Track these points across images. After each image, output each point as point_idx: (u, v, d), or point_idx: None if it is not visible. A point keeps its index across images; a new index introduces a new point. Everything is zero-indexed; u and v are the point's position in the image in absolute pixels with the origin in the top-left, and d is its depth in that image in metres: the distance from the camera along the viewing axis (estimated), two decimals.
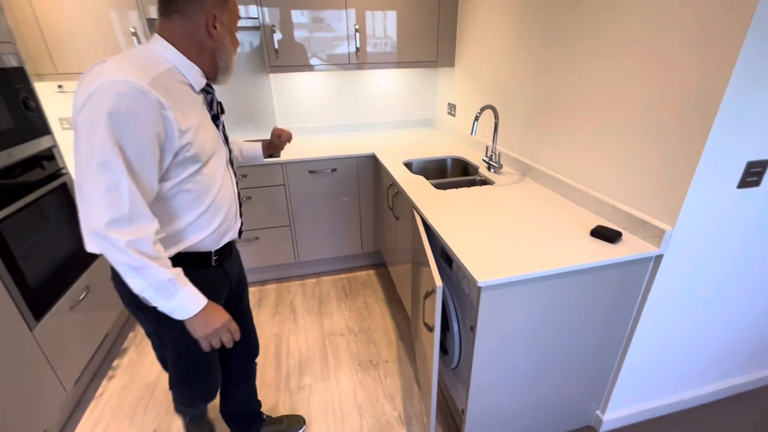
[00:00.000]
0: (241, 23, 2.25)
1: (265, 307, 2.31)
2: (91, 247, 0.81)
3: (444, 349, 1.48)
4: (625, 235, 1.27)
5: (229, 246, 1.10)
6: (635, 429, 1.55)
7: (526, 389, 1.36)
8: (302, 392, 1.74)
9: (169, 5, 0.86)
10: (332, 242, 2.51)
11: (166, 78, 0.83)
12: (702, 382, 1.60)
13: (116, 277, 0.94)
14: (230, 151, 1.07)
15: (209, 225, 0.97)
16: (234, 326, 0.98)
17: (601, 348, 1.36)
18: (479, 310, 1.13)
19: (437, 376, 1.30)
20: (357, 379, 1.80)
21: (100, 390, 1.77)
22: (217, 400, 1.35)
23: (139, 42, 1.99)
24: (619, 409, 1.53)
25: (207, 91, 0.97)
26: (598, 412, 1.55)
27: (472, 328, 1.19)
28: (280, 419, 1.54)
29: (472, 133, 1.75)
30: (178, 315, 0.88)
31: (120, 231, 0.77)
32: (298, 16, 2.14)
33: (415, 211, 1.56)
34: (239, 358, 1.31)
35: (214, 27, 0.88)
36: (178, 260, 0.92)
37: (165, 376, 1.83)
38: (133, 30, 1.97)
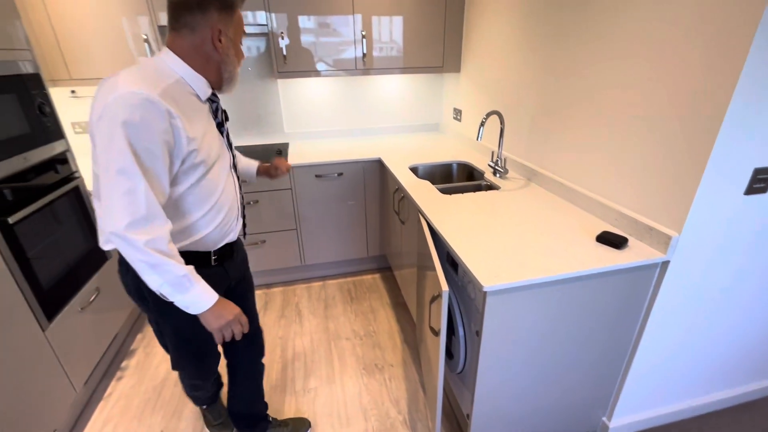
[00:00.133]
0: (249, 29, 2.29)
1: (271, 310, 2.33)
2: (107, 245, 0.88)
3: (449, 354, 1.48)
4: (631, 241, 1.27)
5: (230, 247, 1.15)
6: None
7: (531, 394, 1.36)
8: (307, 395, 1.75)
9: (178, 20, 0.91)
10: (338, 246, 2.53)
11: (174, 89, 0.89)
12: (710, 390, 1.58)
13: (122, 267, 1.02)
14: (234, 157, 1.13)
15: (209, 225, 1.03)
16: (244, 319, 1.04)
17: (606, 354, 1.36)
18: (485, 314, 1.13)
19: (442, 381, 1.31)
20: (362, 383, 1.80)
21: (108, 390, 1.79)
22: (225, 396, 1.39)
23: (150, 48, 2.04)
24: (626, 415, 1.52)
25: (212, 100, 1.03)
26: (604, 418, 1.54)
27: (478, 333, 1.20)
28: (286, 422, 1.55)
29: (477, 139, 1.76)
30: (193, 309, 0.94)
31: (138, 232, 0.83)
32: (305, 21, 2.17)
33: (420, 216, 1.57)
34: (245, 356, 1.36)
35: (220, 40, 0.94)
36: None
37: (172, 378, 1.85)
38: (144, 36, 2.01)
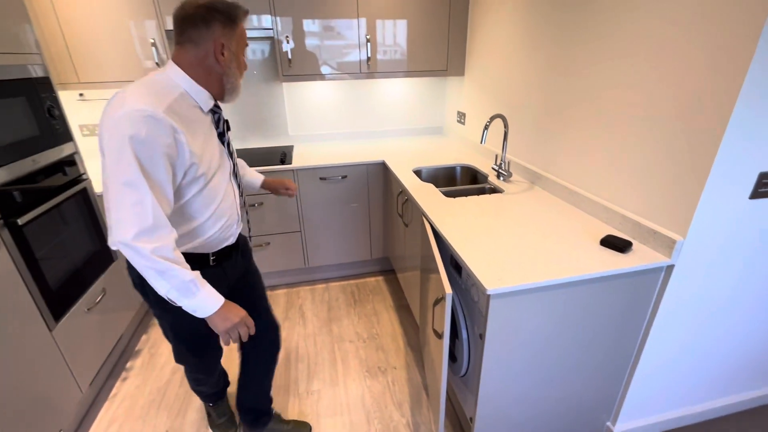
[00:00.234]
0: (255, 33, 2.31)
1: (275, 312, 2.33)
2: (114, 246, 0.91)
3: (453, 357, 1.48)
4: (636, 244, 1.27)
5: (229, 249, 1.20)
6: None
7: (534, 398, 1.36)
8: (311, 397, 1.75)
9: (183, 34, 0.96)
10: (342, 248, 2.54)
11: (178, 104, 0.95)
12: (716, 395, 1.57)
13: (129, 262, 1.04)
14: (234, 165, 1.18)
15: (209, 231, 1.08)
16: (250, 321, 1.07)
17: (611, 358, 1.35)
18: (488, 317, 1.14)
19: (446, 384, 1.31)
20: (365, 386, 1.81)
21: (114, 391, 1.80)
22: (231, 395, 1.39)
23: (157, 52, 2.06)
24: (630, 420, 1.51)
25: (214, 111, 1.08)
26: (608, 423, 1.53)
27: (481, 336, 1.20)
28: (288, 422, 1.57)
29: (481, 142, 1.76)
30: (200, 313, 0.98)
31: (145, 241, 0.87)
32: (310, 25, 2.19)
33: (424, 219, 1.57)
34: (260, 349, 1.41)
35: (222, 54, 0.98)
36: None
37: (176, 379, 1.86)
38: (152, 41, 2.04)
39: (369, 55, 2.31)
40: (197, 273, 0.96)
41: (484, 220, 1.47)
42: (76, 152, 1.78)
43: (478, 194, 1.85)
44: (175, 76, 0.98)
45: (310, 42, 2.23)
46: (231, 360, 1.94)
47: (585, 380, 1.38)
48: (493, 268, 1.16)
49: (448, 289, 1.15)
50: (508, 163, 2.04)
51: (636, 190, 1.30)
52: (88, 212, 1.81)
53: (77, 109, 2.36)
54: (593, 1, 1.38)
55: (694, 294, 1.27)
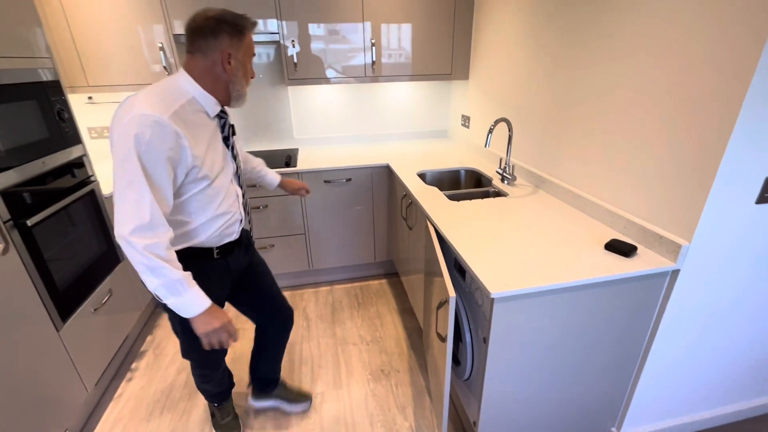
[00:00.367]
0: (261, 37, 2.34)
1: None
2: (117, 239, 0.97)
3: (456, 360, 1.48)
4: (640, 249, 1.26)
5: (232, 245, 1.25)
6: None
7: (539, 403, 1.35)
8: (314, 399, 1.75)
9: (193, 44, 1.03)
10: (346, 251, 2.54)
11: (185, 110, 1.01)
12: (722, 402, 1.55)
13: None
14: (238, 167, 1.23)
15: (210, 228, 1.15)
16: (232, 328, 1.11)
17: (615, 364, 1.35)
18: (492, 321, 1.13)
19: (449, 387, 1.31)
20: (369, 389, 1.81)
21: (119, 391, 1.82)
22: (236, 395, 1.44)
23: (165, 56, 2.09)
24: (635, 426, 1.50)
25: (220, 116, 1.14)
26: (613, 429, 1.52)
27: (485, 340, 1.20)
28: (292, 389, 1.71)
29: (486, 146, 1.77)
30: (184, 313, 1.04)
31: (140, 237, 0.93)
32: (315, 29, 2.21)
33: (428, 222, 1.58)
34: (275, 323, 1.51)
35: (229, 63, 1.04)
36: (187, 253, 1.12)
37: (181, 380, 1.87)
38: (160, 45, 2.06)
39: (374, 59, 2.32)
40: (188, 274, 1.01)
41: (488, 224, 1.47)
42: (85, 154, 1.80)
43: (482, 198, 1.85)
44: (185, 84, 1.04)
45: (315, 46, 2.25)
46: (237, 362, 1.95)
47: (589, 386, 1.37)
48: (497, 272, 1.16)
49: (452, 293, 1.16)
50: (513, 166, 2.04)
51: (641, 194, 1.30)
52: (96, 214, 1.83)
53: (86, 112, 2.40)
54: (597, 1, 1.38)
55: (700, 299, 1.27)
